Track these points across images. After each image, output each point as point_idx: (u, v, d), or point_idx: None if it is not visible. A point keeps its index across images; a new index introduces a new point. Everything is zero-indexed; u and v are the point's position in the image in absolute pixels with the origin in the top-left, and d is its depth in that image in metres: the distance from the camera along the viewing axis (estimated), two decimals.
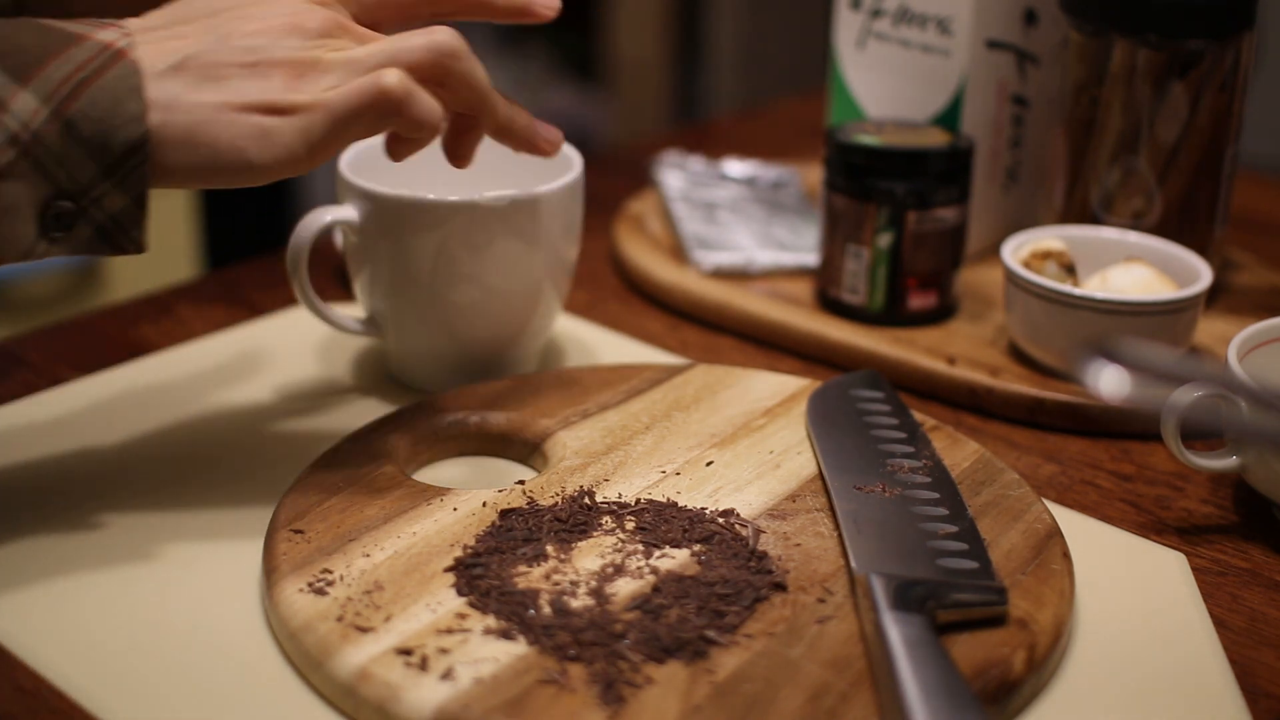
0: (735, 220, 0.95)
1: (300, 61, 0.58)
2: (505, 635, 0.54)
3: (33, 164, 0.55)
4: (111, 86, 0.55)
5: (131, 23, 0.59)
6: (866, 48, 0.90)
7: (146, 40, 0.57)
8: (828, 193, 0.82)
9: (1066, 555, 0.60)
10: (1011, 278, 0.77)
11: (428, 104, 0.59)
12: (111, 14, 0.60)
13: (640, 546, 0.60)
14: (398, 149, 0.63)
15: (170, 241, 1.63)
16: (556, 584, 0.57)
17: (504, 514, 0.62)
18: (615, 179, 1.05)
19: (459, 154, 0.66)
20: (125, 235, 0.58)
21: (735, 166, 1.04)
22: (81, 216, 0.56)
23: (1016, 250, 0.78)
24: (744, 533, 0.61)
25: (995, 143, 0.90)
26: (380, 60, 0.59)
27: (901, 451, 0.66)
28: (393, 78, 0.58)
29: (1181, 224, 0.83)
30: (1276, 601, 0.62)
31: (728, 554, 0.59)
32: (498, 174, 0.78)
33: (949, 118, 0.88)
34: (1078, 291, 0.74)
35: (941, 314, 0.83)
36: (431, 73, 0.60)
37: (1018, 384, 0.76)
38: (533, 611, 0.55)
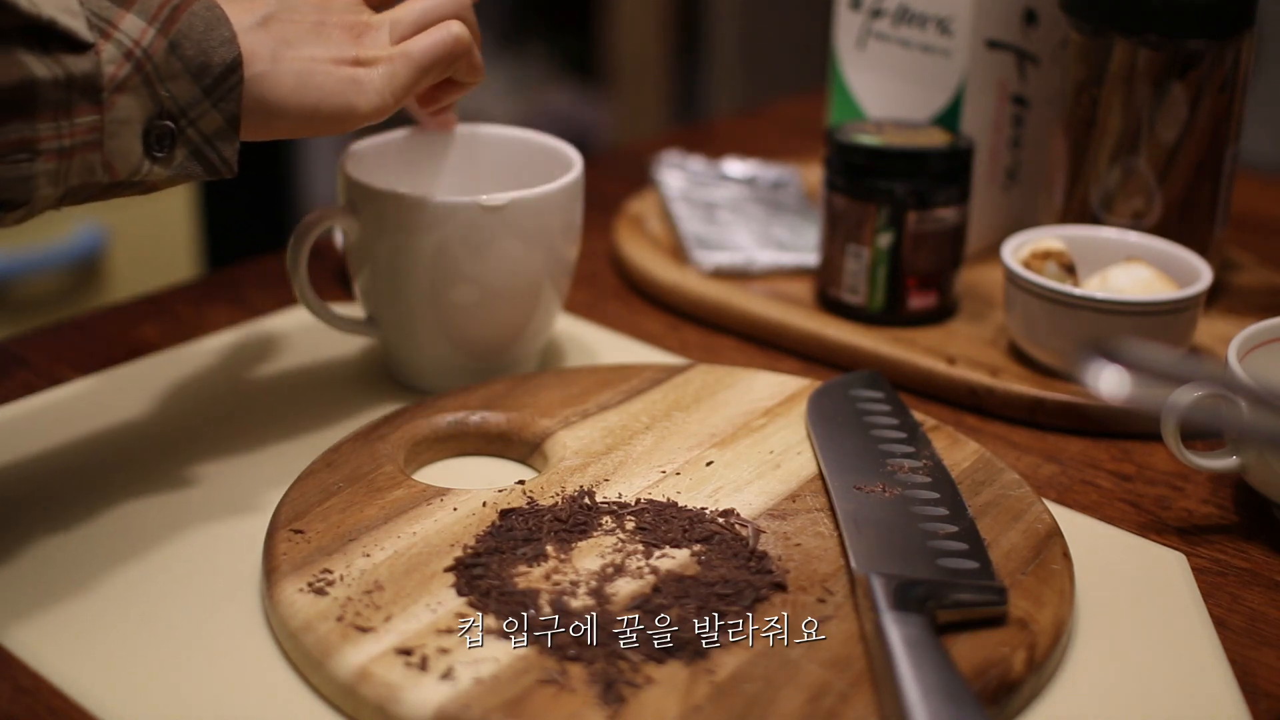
0: (735, 220, 0.95)
1: (356, 24, 0.65)
2: (505, 635, 0.54)
3: (144, 79, 0.57)
4: (202, 13, 0.59)
5: None
6: (866, 48, 0.90)
7: None
8: (828, 193, 0.82)
9: (1066, 555, 0.60)
10: (1011, 278, 0.77)
11: (478, 52, 0.69)
12: None
13: (640, 546, 0.60)
14: (441, 95, 0.72)
15: (170, 241, 1.63)
16: (556, 584, 0.57)
17: (504, 514, 0.62)
18: (615, 179, 1.05)
19: (449, 102, 0.74)
20: (218, 154, 0.60)
21: (735, 166, 1.04)
22: (180, 136, 0.59)
23: (1016, 250, 0.78)
24: (744, 533, 0.61)
25: (995, 143, 0.90)
26: (417, 16, 0.67)
27: (901, 451, 0.66)
28: (459, 28, 0.67)
29: (1181, 224, 0.83)
30: (1276, 601, 0.62)
31: (728, 554, 0.59)
32: (498, 174, 0.78)
33: (949, 118, 0.88)
34: (1078, 291, 0.74)
35: (941, 314, 0.83)
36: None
37: (1018, 384, 0.76)
38: (533, 611, 0.55)
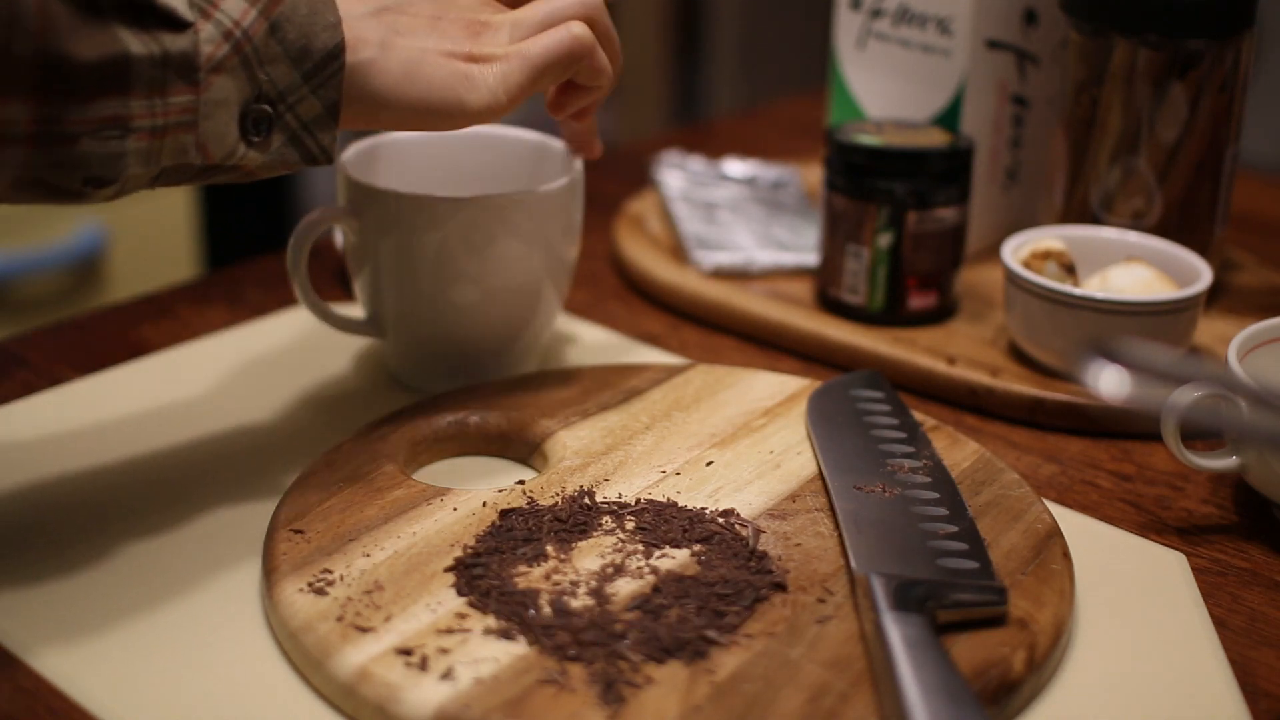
0: (735, 220, 0.95)
1: (474, 21, 0.64)
2: (505, 635, 0.54)
3: (242, 61, 0.56)
4: None
5: None
6: (866, 48, 0.90)
7: None
8: (828, 193, 0.82)
9: (1066, 555, 0.60)
10: (1011, 278, 0.77)
11: (604, 55, 0.67)
12: None
13: (640, 546, 0.60)
14: (567, 100, 0.69)
15: (170, 241, 1.63)
16: (556, 584, 0.57)
17: (504, 514, 0.62)
18: (615, 179, 1.05)
19: (586, 111, 0.72)
20: (316, 142, 0.59)
21: (735, 166, 1.04)
22: (277, 121, 0.58)
23: (1016, 250, 0.78)
24: (744, 533, 0.61)
25: (995, 143, 0.90)
26: (542, 17, 0.65)
27: (901, 451, 0.66)
28: (580, 29, 0.65)
29: (1181, 224, 0.83)
30: (1276, 601, 0.62)
31: (728, 554, 0.59)
32: (498, 174, 0.78)
33: (949, 118, 0.88)
34: (1078, 291, 0.74)
35: (941, 314, 0.83)
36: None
37: (1018, 384, 0.76)
38: (533, 611, 0.55)
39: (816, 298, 0.85)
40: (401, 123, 0.62)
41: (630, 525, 0.61)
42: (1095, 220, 0.84)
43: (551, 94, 0.70)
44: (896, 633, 0.52)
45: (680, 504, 0.63)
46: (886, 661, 0.51)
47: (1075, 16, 0.83)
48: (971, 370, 0.77)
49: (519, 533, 0.60)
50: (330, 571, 0.57)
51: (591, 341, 0.83)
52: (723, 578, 0.57)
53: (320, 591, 0.56)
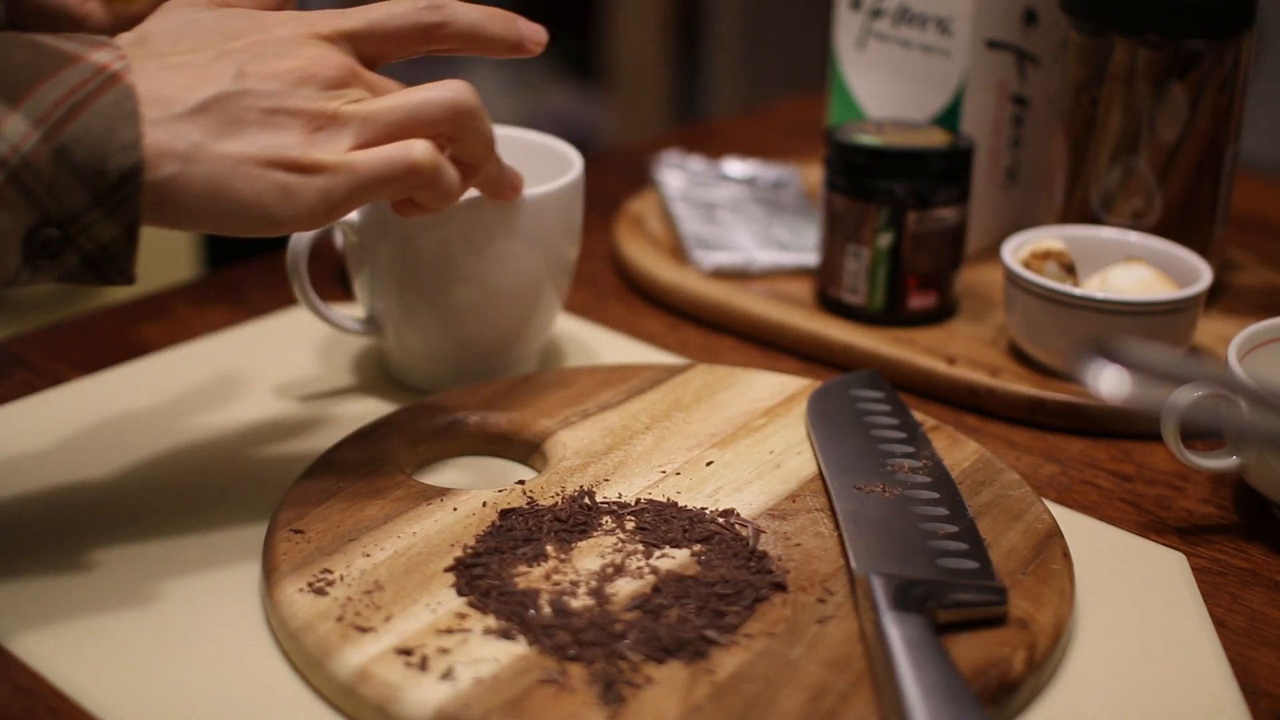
0: (735, 220, 0.95)
1: (319, 113, 0.57)
2: (505, 635, 0.54)
3: (20, 189, 0.52)
4: (106, 111, 0.53)
5: (124, 38, 0.57)
6: (866, 48, 0.90)
7: (147, 61, 0.56)
8: (828, 193, 0.82)
9: (1066, 555, 0.60)
10: (1011, 278, 0.77)
11: (451, 177, 0.60)
12: (104, 30, 0.59)
13: (640, 546, 0.60)
14: (409, 210, 0.63)
15: (170, 241, 1.63)
16: (556, 584, 0.57)
17: (504, 514, 0.62)
18: (615, 179, 1.05)
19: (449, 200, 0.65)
20: (114, 266, 0.55)
21: (735, 166, 1.04)
22: (69, 244, 0.54)
23: (1016, 250, 0.78)
24: (744, 533, 0.61)
25: (995, 143, 0.90)
26: (400, 118, 0.58)
27: (901, 451, 0.66)
28: (422, 151, 0.58)
29: (1181, 224, 0.83)
30: (1276, 601, 0.62)
31: (728, 554, 0.59)
32: None
33: (949, 118, 0.88)
34: (1078, 291, 0.74)
35: (941, 314, 0.83)
36: (449, 129, 0.60)
37: (1018, 384, 0.76)
38: (533, 611, 0.55)
39: (816, 298, 0.85)
40: (202, 230, 0.56)
41: (630, 525, 0.61)
42: (1095, 220, 0.84)
43: (396, 201, 0.63)
44: (896, 633, 0.52)
45: (680, 504, 0.63)
46: (886, 661, 0.51)
47: (1075, 16, 0.83)
48: (971, 370, 0.77)
49: (519, 533, 0.60)
50: (330, 571, 0.57)
51: (591, 341, 0.83)
52: (723, 578, 0.57)
53: (320, 591, 0.56)
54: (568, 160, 0.75)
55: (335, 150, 0.57)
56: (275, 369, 0.78)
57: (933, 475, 0.64)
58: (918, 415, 0.70)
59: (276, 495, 0.64)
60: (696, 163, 1.04)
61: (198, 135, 0.55)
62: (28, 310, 1.51)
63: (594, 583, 0.57)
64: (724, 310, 0.85)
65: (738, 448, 0.68)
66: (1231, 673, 0.57)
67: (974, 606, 0.56)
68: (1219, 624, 0.60)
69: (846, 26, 0.91)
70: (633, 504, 0.63)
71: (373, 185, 0.57)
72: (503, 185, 0.68)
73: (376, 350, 0.80)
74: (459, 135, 0.61)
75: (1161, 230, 0.83)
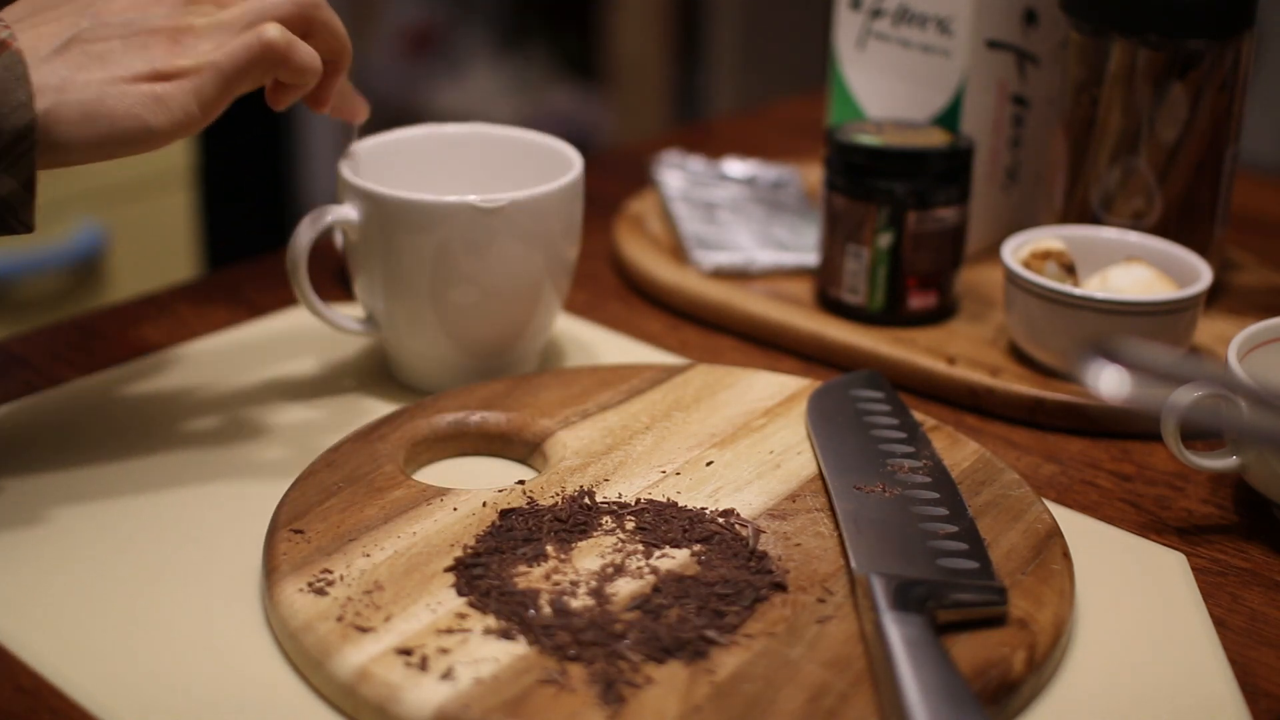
0: (735, 220, 0.95)
1: (175, 28, 0.61)
2: (505, 635, 0.54)
3: None
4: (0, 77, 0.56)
5: (3, 14, 0.60)
6: (866, 48, 0.90)
7: (26, 30, 0.59)
8: (828, 193, 0.82)
9: (1066, 555, 0.60)
10: (1011, 278, 0.77)
11: (307, 51, 0.63)
12: None
13: (640, 546, 0.60)
14: (280, 97, 0.66)
15: (170, 241, 1.63)
16: (556, 584, 0.57)
17: (504, 514, 0.62)
18: (615, 179, 1.05)
19: (320, 99, 0.68)
20: (14, 217, 0.59)
21: (735, 166, 1.04)
22: None
23: (1016, 250, 0.78)
24: (744, 533, 0.61)
25: (995, 143, 0.90)
26: (250, 18, 0.62)
27: (901, 451, 0.66)
28: (273, 30, 0.62)
29: (1181, 224, 0.83)
30: (1276, 601, 0.62)
31: (728, 554, 0.59)
32: (498, 174, 0.78)
33: (949, 118, 0.88)
34: (1078, 291, 0.74)
35: (941, 314, 0.83)
36: (298, 24, 0.64)
37: (1018, 384, 0.76)
38: (533, 611, 0.55)
39: (816, 298, 0.85)
40: (90, 159, 0.60)
41: (630, 525, 0.61)
42: (1095, 220, 0.84)
43: (267, 89, 0.66)
44: (896, 633, 0.52)
45: (680, 504, 0.63)
46: (886, 661, 0.51)
47: (1075, 16, 0.83)
48: (971, 370, 0.77)
49: (519, 533, 0.60)
50: (330, 571, 0.57)
51: (591, 341, 0.83)
52: (723, 578, 0.57)
53: (320, 591, 0.56)
54: (568, 160, 0.75)
55: (198, 55, 0.61)
56: (275, 369, 0.78)
57: (933, 475, 0.64)
58: (918, 415, 0.70)
59: (276, 495, 0.64)
60: (696, 163, 1.04)
61: (65, 70, 0.59)
62: (28, 310, 1.51)
63: (594, 583, 0.57)
64: (724, 310, 0.85)
65: (738, 448, 0.68)
66: (1231, 673, 0.57)
67: (974, 606, 0.56)
68: (1219, 624, 0.60)
69: (846, 26, 0.91)
70: (633, 504, 0.63)
71: (236, 74, 0.61)
72: (354, 100, 0.72)
73: (376, 350, 0.80)
74: (310, 29, 0.65)
75: (1161, 230, 0.83)
